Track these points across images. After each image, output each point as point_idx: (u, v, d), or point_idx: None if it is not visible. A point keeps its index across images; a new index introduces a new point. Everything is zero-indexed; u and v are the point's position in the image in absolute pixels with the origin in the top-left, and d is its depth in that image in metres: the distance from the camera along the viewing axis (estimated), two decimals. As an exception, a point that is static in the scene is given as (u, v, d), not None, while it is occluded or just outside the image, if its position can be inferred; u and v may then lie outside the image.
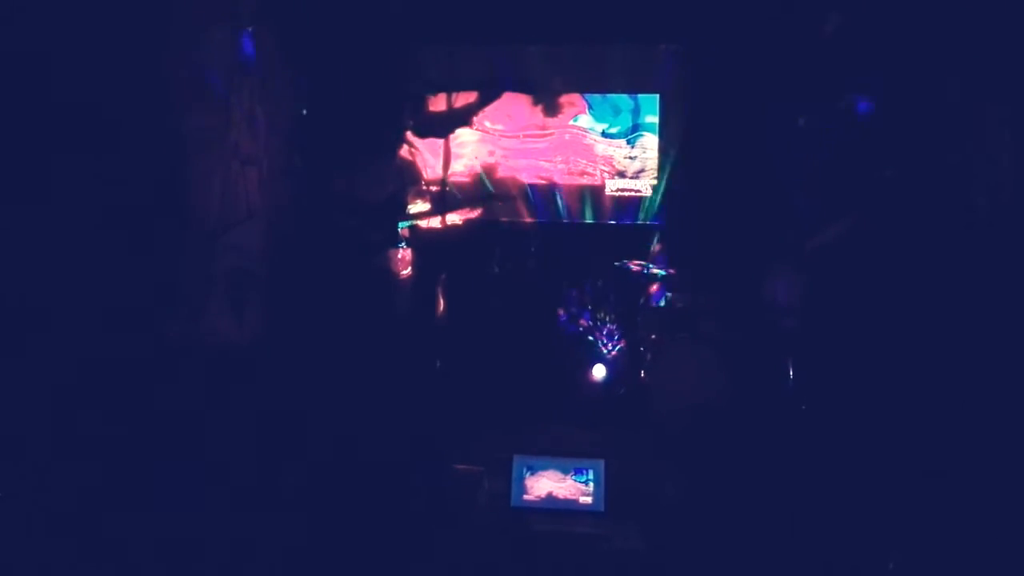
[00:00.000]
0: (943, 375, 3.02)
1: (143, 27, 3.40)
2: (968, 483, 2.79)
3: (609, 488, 3.41)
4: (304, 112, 3.75)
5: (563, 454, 3.52)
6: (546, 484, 3.46)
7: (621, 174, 6.22)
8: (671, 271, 5.31)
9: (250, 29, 3.90)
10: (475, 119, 6.05)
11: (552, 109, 6.25)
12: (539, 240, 5.94)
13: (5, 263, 2.96)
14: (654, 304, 5.41)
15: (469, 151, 6.22)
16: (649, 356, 5.06)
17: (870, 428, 3.25)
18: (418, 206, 5.63)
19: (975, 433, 2.85)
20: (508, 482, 3.44)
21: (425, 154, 5.86)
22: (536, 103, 6.22)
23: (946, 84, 3.20)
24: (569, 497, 3.43)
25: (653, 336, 5.10)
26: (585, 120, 6.25)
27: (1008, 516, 2.67)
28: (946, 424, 2.95)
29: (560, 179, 6.26)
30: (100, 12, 3.20)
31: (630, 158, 6.21)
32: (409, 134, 5.58)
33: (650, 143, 6.19)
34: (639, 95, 6.20)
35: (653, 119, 6.18)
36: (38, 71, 3.04)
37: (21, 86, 2.98)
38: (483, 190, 6.17)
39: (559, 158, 6.26)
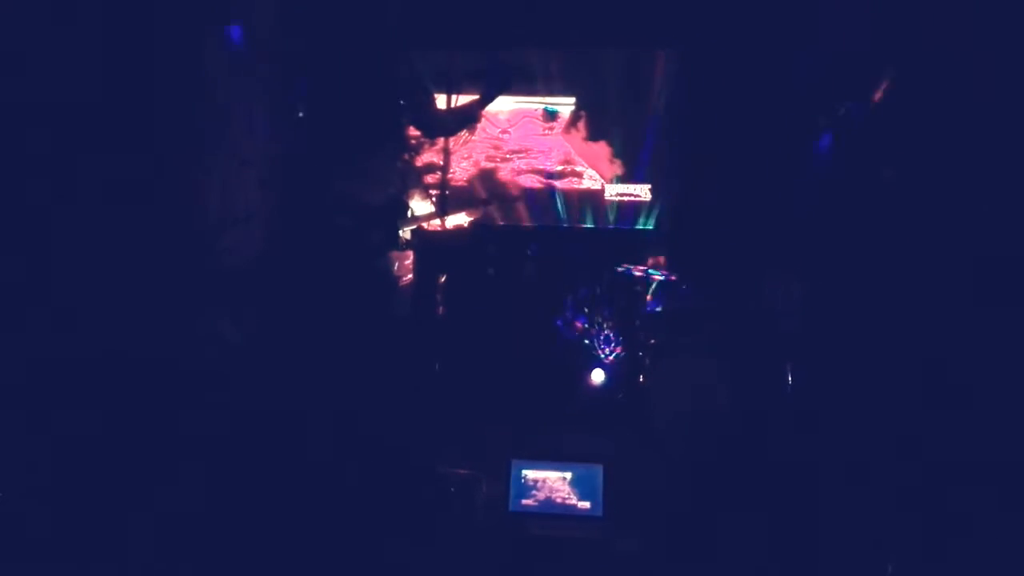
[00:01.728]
0: (945, 377, 3.01)
1: (142, 27, 3.40)
2: (968, 486, 2.78)
3: (608, 493, 3.39)
4: (301, 114, 3.75)
5: (561, 459, 3.51)
6: (544, 489, 3.44)
7: (621, 178, 6.22)
8: (670, 276, 5.30)
9: (251, 30, 3.89)
10: (476, 122, 6.04)
11: (551, 113, 6.25)
12: (538, 244, 5.93)
13: (6, 263, 2.95)
14: (653, 309, 5.40)
15: (468, 154, 6.23)
16: (648, 361, 5.05)
17: (870, 432, 3.24)
18: (417, 209, 5.62)
19: (976, 435, 2.84)
20: (506, 487, 3.43)
21: (425, 157, 5.86)
22: (535, 107, 6.22)
23: (948, 86, 3.19)
24: (567, 502, 3.42)
25: (652, 341, 5.09)
26: (584, 124, 6.26)
27: (1008, 520, 2.66)
28: (947, 426, 2.94)
29: (559, 183, 6.26)
30: (103, 12, 3.20)
31: (630, 162, 6.23)
32: (409, 136, 5.58)
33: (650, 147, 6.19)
34: (639, 99, 6.20)
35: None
36: (40, 70, 3.04)
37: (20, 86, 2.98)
38: (482, 193, 6.16)
39: (559, 162, 6.27)
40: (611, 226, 6.21)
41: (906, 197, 3.35)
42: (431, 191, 5.70)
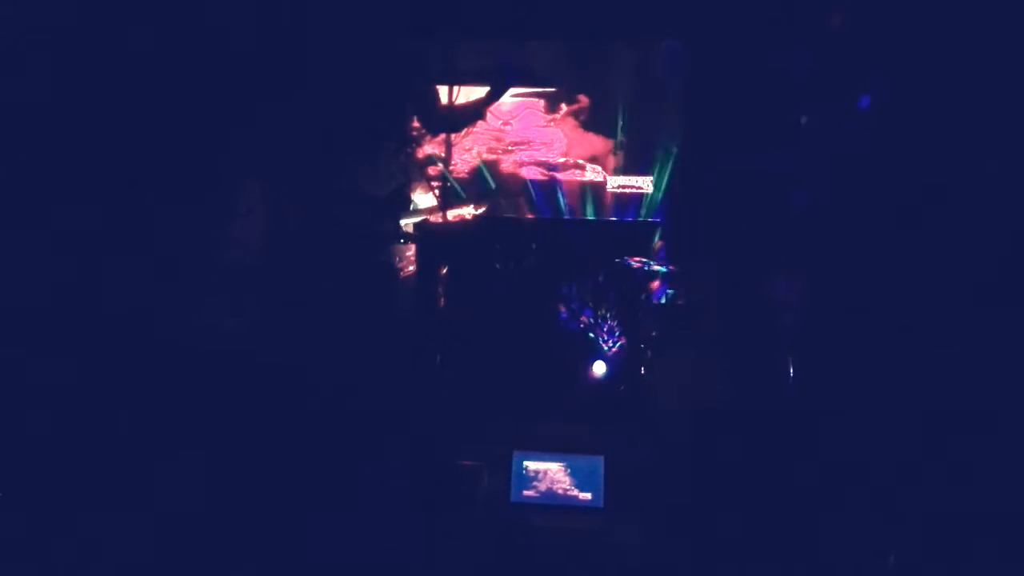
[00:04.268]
0: (944, 373, 3.02)
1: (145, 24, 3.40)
2: (968, 481, 2.79)
3: (609, 484, 3.41)
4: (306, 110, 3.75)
5: (563, 450, 3.52)
6: (546, 480, 3.46)
7: (622, 170, 6.21)
8: (672, 268, 5.31)
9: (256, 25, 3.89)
10: (481, 114, 6.04)
11: (554, 105, 6.25)
12: (540, 236, 5.94)
13: (5, 260, 2.96)
14: (655, 301, 5.41)
15: (471, 146, 6.22)
16: (649, 353, 5.06)
17: (871, 425, 3.25)
18: (420, 201, 5.63)
19: (976, 430, 2.85)
20: (508, 478, 3.44)
21: (428, 149, 5.87)
22: (538, 98, 6.22)
23: (951, 82, 3.19)
24: (569, 493, 3.44)
25: (654, 333, 5.10)
26: (587, 116, 6.25)
27: (1008, 515, 2.67)
28: (946, 422, 2.95)
29: (561, 175, 6.26)
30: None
31: (632, 154, 6.22)
32: (412, 129, 5.58)
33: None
34: (641, 91, 6.19)
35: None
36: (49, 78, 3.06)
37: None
38: (485, 186, 6.16)
39: (561, 153, 6.26)
40: (613, 218, 6.20)
41: (908, 192, 3.36)
42: (433, 183, 5.71)
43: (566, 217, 6.23)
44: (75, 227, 3.11)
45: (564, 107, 6.20)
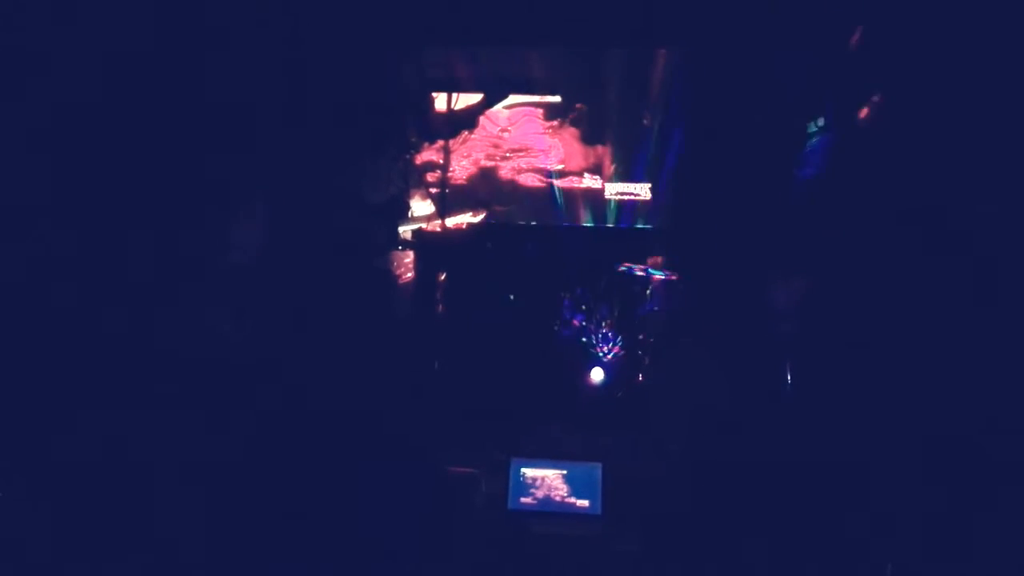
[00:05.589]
0: (941, 378, 3.03)
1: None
2: (966, 486, 2.79)
3: (606, 491, 3.41)
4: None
5: (561, 457, 3.52)
6: (543, 487, 3.46)
7: (620, 177, 6.22)
8: (670, 275, 5.31)
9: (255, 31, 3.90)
10: (477, 121, 6.05)
11: (552, 112, 6.25)
12: (539, 243, 5.94)
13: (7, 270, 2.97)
14: (652, 308, 5.41)
15: (468, 153, 6.23)
16: (647, 359, 5.07)
17: (868, 431, 3.25)
18: (419, 208, 5.63)
19: (973, 436, 2.85)
20: (505, 485, 3.44)
21: (427, 156, 5.87)
22: (537, 106, 6.22)
23: (948, 89, 3.20)
24: (566, 500, 3.43)
25: (651, 340, 5.11)
26: (585, 123, 6.26)
27: (1006, 520, 2.67)
28: (944, 426, 2.95)
29: (559, 182, 6.26)
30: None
31: (630, 161, 6.22)
32: (411, 136, 5.59)
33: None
34: (639, 98, 6.20)
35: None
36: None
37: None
38: (483, 192, 6.16)
39: (559, 160, 6.27)
40: (611, 225, 6.20)
41: (903, 198, 3.37)
42: (431, 190, 5.71)
43: (564, 224, 6.23)
44: (76, 234, 3.11)
45: (562, 115, 6.21)
